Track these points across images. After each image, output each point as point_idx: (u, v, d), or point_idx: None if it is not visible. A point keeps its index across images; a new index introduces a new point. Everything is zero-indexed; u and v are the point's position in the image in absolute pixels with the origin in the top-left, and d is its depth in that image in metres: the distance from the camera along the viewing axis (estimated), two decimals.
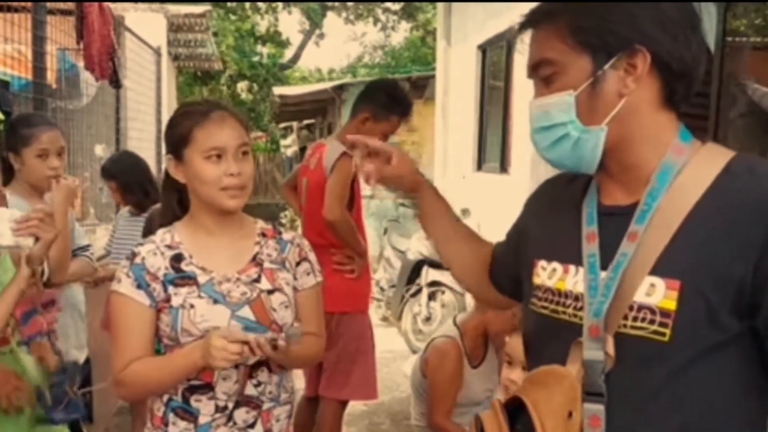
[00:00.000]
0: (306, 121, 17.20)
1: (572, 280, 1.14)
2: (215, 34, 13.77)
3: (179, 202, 1.71)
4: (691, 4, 1.12)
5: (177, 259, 1.61)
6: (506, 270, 1.40)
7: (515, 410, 1.12)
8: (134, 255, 1.61)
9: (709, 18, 3.07)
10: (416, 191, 1.49)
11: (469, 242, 1.50)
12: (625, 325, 1.04)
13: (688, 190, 1.04)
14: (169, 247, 1.63)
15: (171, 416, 1.62)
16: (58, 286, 2.62)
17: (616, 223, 1.10)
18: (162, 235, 1.66)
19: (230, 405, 1.61)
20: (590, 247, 1.11)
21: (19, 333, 2.01)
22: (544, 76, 1.12)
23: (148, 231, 2.58)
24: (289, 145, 20.75)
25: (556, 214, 1.23)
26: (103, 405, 3.66)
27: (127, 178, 3.60)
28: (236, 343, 1.46)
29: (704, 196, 1.03)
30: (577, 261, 1.13)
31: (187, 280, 1.59)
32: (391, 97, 3.17)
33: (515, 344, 2.56)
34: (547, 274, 1.19)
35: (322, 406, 3.23)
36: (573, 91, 1.08)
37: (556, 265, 1.18)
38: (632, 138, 1.09)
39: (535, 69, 1.14)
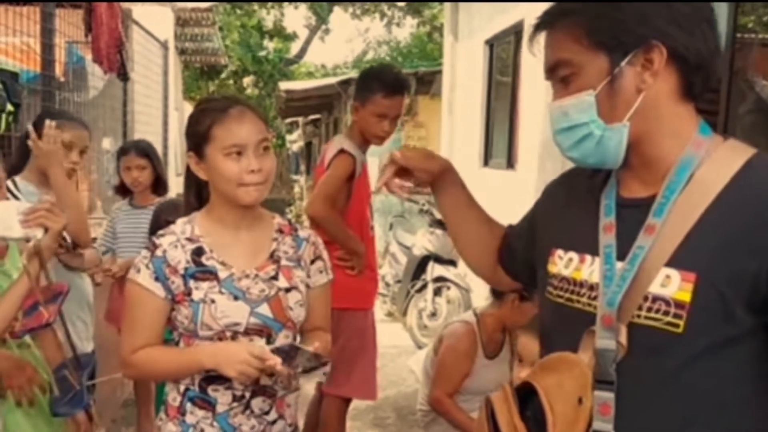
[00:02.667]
0: (312, 117, 17.17)
1: (588, 269, 1.16)
2: (221, 29, 13.78)
3: (197, 196, 1.73)
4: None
5: (198, 252, 1.63)
6: (518, 256, 1.42)
7: (525, 395, 1.15)
8: (155, 246, 1.63)
9: (720, 14, 3.06)
10: (435, 180, 1.49)
11: (480, 228, 1.52)
12: (638, 316, 1.05)
13: (707, 185, 1.06)
14: (190, 240, 1.64)
15: (188, 406, 1.65)
16: (85, 247, 2.66)
17: (633, 215, 1.11)
18: (182, 226, 1.67)
19: (247, 394, 1.64)
20: (607, 238, 1.13)
21: (22, 324, 2.02)
22: (562, 76, 1.13)
23: (156, 225, 2.59)
24: (294, 141, 20.74)
25: (576, 204, 1.25)
26: (110, 397, 3.67)
27: (159, 162, 3.62)
28: (258, 364, 1.52)
29: (723, 191, 1.04)
30: (594, 251, 1.15)
31: (208, 274, 1.62)
32: (370, 77, 3.07)
33: (526, 343, 2.57)
34: (563, 263, 1.21)
35: (325, 403, 3.23)
36: (592, 91, 1.09)
37: (572, 254, 1.20)
38: (653, 131, 1.11)
39: (552, 70, 1.16)
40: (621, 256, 1.09)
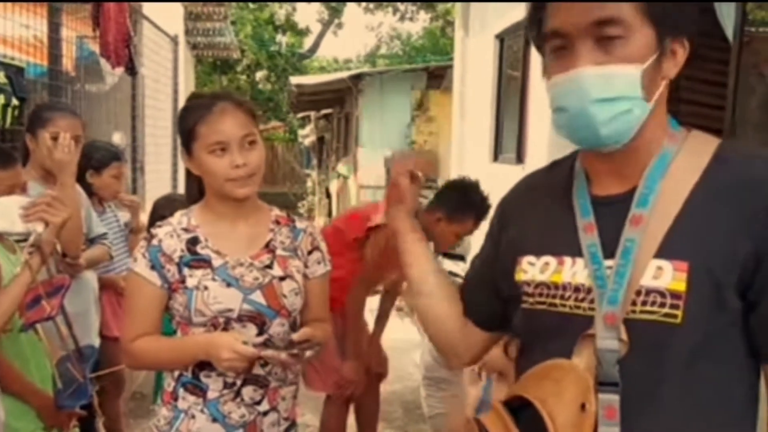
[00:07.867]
0: (324, 111, 17.18)
1: (569, 271, 1.11)
2: (233, 23, 13.78)
3: (197, 189, 1.76)
4: None
5: (193, 242, 1.67)
6: (488, 297, 1.29)
7: (515, 410, 1.08)
8: (152, 236, 1.68)
9: (729, 8, 3.01)
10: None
11: (449, 300, 1.37)
12: (634, 311, 1.02)
13: (685, 174, 1.05)
14: (186, 230, 1.69)
15: (181, 391, 1.69)
16: (75, 263, 2.64)
17: (612, 212, 1.09)
18: (179, 218, 1.72)
19: (238, 382, 1.67)
20: (589, 238, 1.09)
21: (25, 317, 2.03)
22: (608, 35, 1.02)
23: (153, 220, 2.59)
24: (306, 135, 20.76)
25: (541, 208, 1.21)
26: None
27: None
28: (245, 357, 1.54)
29: (701, 179, 1.04)
30: (573, 252, 1.11)
31: (202, 262, 1.65)
32: (467, 199, 3.02)
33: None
34: (537, 269, 1.15)
35: (324, 403, 3.34)
36: (640, 65, 1.03)
37: (548, 258, 1.14)
38: (650, 121, 1.07)
39: (598, 25, 1.03)
40: (607, 254, 1.06)
